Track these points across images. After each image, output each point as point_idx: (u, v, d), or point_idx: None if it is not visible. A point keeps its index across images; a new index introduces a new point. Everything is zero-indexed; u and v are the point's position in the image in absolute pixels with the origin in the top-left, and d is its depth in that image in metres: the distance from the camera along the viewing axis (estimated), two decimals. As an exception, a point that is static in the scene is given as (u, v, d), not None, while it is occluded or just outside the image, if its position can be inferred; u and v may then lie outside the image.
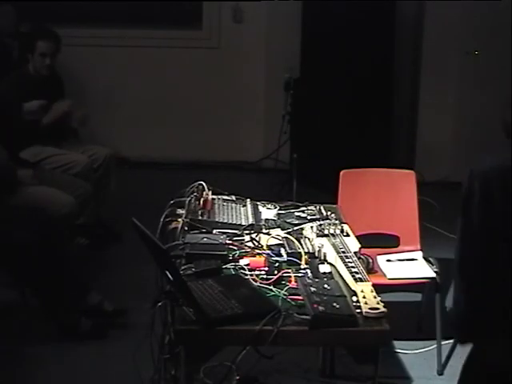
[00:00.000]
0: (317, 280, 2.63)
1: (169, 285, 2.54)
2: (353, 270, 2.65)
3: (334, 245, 2.86)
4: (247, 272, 2.70)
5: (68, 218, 4.28)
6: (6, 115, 4.58)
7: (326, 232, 2.97)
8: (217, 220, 3.09)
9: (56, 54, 4.95)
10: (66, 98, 5.15)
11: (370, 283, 2.55)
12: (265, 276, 2.66)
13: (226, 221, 3.09)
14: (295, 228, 3.09)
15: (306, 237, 2.99)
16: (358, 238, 3.01)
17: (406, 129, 6.48)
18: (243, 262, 2.75)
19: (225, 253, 2.81)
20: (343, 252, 2.79)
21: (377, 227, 3.95)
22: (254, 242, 2.90)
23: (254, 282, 2.63)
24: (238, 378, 3.24)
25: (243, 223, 3.07)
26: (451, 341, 3.96)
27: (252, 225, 3.05)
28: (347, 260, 2.73)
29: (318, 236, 2.94)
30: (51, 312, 3.89)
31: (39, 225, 3.86)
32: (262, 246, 2.85)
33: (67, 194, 4.36)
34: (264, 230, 3.00)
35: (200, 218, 3.09)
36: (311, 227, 3.03)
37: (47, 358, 3.74)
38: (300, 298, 2.51)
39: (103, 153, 5.06)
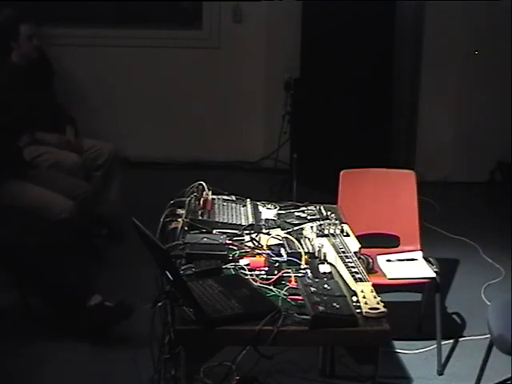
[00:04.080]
0: (317, 280, 2.63)
1: (169, 285, 2.54)
2: (353, 270, 2.65)
3: (334, 245, 2.85)
4: (247, 272, 2.70)
5: (67, 223, 4.26)
6: None
7: (326, 232, 2.97)
8: (217, 220, 3.09)
9: (39, 35, 4.85)
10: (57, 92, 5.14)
11: (370, 283, 2.55)
12: (265, 276, 2.66)
13: (226, 221, 3.08)
14: (295, 228, 3.08)
15: (306, 237, 2.99)
16: (358, 238, 3.00)
17: (406, 129, 6.48)
18: (243, 261, 2.75)
19: (225, 253, 2.80)
20: (343, 252, 2.79)
21: (377, 227, 3.95)
22: (254, 241, 2.89)
23: (254, 282, 2.63)
24: (237, 378, 3.24)
25: (243, 223, 3.07)
26: (451, 341, 3.97)
27: (252, 225, 3.05)
28: (347, 260, 2.73)
29: (318, 236, 2.94)
30: (53, 312, 3.90)
31: (39, 227, 3.87)
32: (262, 246, 2.85)
33: (67, 198, 4.33)
34: (264, 230, 3.00)
35: (200, 218, 3.09)
36: (311, 227, 3.03)
37: (47, 358, 3.75)
38: (300, 298, 2.51)
39: (107, 148, 5.05)
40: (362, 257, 2.88)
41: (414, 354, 3.85)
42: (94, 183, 4.94)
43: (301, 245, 2.88)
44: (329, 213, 3.23)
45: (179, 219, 3.06)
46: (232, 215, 3.15)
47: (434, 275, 3.71)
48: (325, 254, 2.83)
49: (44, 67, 5.13)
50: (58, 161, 4.75)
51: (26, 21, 4.78)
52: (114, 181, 5.07)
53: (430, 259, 3.83)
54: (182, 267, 2.72)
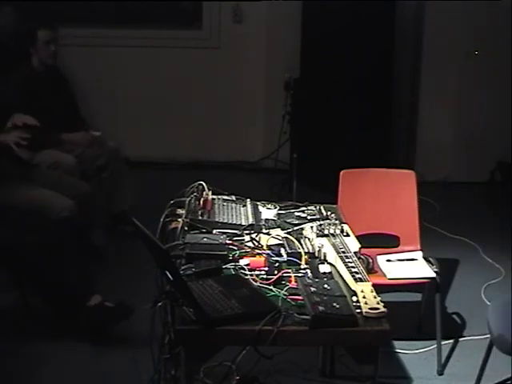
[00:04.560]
0: (317, 280, 2.63)
1: (169, 285, 2.54)
2: (353, 270, 2.65)
3: (334, 245, 2.85)
4: (247, 272, 2.69)
5: (67, 222, 4.26)
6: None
7: (326, 232, 2.97)
8: (217, 220, 3.09)
9: (57, 41, 4.92)
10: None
11: (370, 283, 2.55)
12: (265, 276, 2.66)
13: (226, 221, 3.08)
14: (295, 228, 3.08)
15: (306, 237, 2.99)
16: (358, 238, 3.00)
17: (406, 129, 6.48)
18: (243, 262, 2.75)
19: (225, 253, 2.80)
20: (343, 252, 2.79)
21: (377, 227, 3.94)
22: (254, 241, 2.89)
23: (254, 282, 2.63)
24: (237, 378, 3.24)
25: (243, 223, 3.07)
26: (451, 341, 3.97)
27: (252, 225, 3.05)
28: (347, 260, 2.73)
29: (318, 236, 2.94)
30: (53, 312, 3.90)
31: (39, 227, 3.87)
32: (262, 246, 2.85)
33: (66, 197, 4.32)
34: (264, 230, 3.00)
35: (200, 217, 3.09)
36: (311, 227, 3.03)
37: (47, 358, 3.74)
38: (300, 298, 2.51)
39: (108, 147, 5.05)
40: (362, 257, 2.88)
41: (414, 354, 3.85)
42: (104, 184, 4.95)
43: (301, 245, 2.87)
44: (329, 213, 3.23)
45: (179, 219, 3.06)
46: (232, 215, 3.15)
47: (433, 275, 3.71)
48: (325, 253, 2.83)
49: (60, 78, 5.18)
50: (56, 161, 4.76)
51: (43, 26, 4.84)
52: (125, 179, 5.08)
53: (430, 259, 3.83)
54: (182, 267, 2.72)
